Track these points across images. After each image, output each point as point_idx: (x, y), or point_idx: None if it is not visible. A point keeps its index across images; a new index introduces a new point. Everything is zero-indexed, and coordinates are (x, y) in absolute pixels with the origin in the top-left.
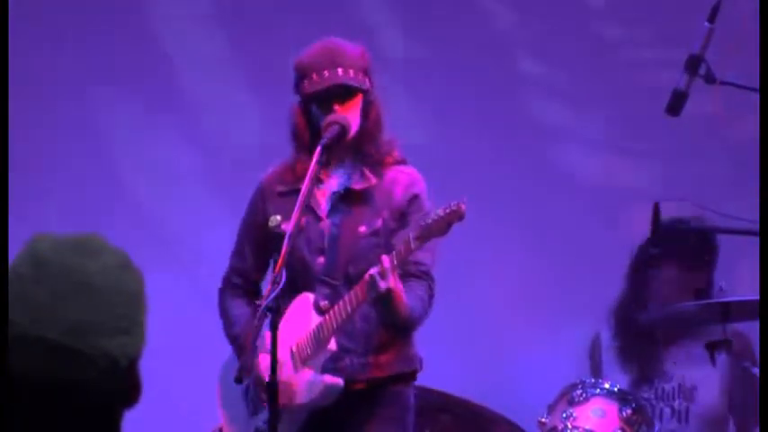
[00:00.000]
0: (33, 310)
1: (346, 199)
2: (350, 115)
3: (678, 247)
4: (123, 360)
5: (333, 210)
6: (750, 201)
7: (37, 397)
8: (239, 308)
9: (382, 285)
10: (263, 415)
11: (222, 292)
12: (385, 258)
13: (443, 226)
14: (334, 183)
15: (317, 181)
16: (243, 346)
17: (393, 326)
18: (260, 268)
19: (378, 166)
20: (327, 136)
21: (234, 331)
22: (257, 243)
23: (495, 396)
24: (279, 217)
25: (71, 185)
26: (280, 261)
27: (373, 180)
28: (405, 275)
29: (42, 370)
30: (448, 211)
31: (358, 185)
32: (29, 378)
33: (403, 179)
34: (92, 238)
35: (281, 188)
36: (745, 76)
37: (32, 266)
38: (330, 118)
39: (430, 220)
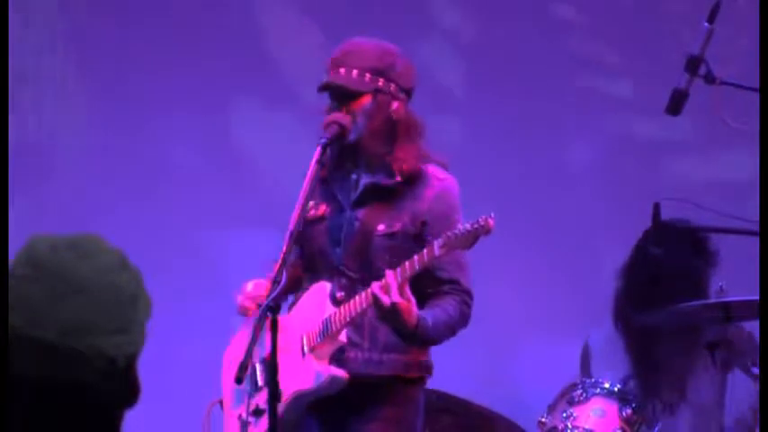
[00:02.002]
0: (30, 311)
1: (372, 193)
2: (353, 116)
3: (677, 248)
4: (121, 360)
5: (357, 203)
6: (750, 201)
7: (34, 397)
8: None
9: (385, 300)
10: (264, 394)
11: None
12: (389, 273)
13: (469, 239)
14: (363, 177)
15: (350, 174)
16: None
17: (405, 337)
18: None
19: (399, 167)
20: (326, 135)
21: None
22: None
23: (495, 396)
24: (312, 203)
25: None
26: (279, 261)
27: (399, 179)
28: (440, 293)
29: (39, 370)
30: (476, 226)
31: (385, 181)
32: (26, 378)
33: (435, 186)
34: (89, 239)
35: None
36: (745, 76)
37: (29, 267)
38: (329, 118)
39: (458, 232)
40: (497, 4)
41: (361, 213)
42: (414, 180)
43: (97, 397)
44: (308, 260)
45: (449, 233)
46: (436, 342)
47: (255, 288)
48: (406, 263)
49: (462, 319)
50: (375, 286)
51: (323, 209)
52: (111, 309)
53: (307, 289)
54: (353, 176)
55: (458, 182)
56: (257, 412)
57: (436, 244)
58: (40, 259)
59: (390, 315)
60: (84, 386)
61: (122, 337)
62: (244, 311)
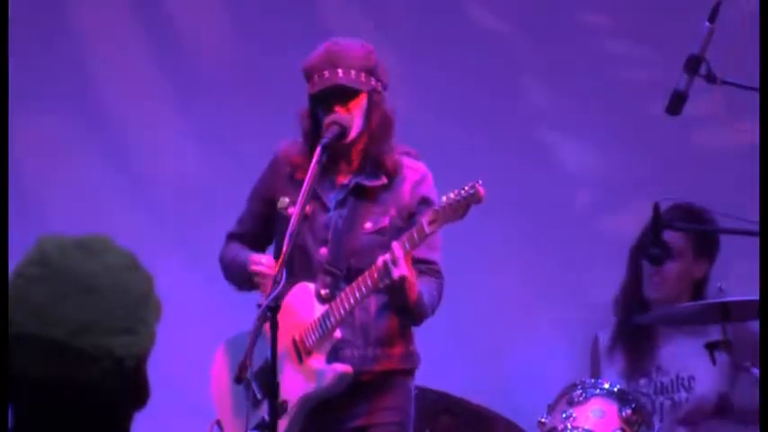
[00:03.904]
0: (37, 310)
1: (355, 194)
2: (352, 116)
3: (682, 237)
4: (129, 360)
5: (340, 203)
6: (750, 201)
7: (41, 396)
8: (240, 247)
9: (395, 273)
10: (266, 407)
11: (223, 246)
12: (396, 246)
13: (460, 209)
14: (344, 178)
15: (328, 176)
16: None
17: (405, 312)
18: (259, 239)
19: (385, 166)
20: (327, 136)
21: (242, 256)
22: (262, 215)
23: (494, 396)
24: (287, 199)
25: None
26: (280, 261)
27: (384, 179)
28: (417, 272)
29: (46, 369)
30: (464, 194)
31: (368, 183)
32: (33, 377)
33: (411, 176)
34: (98, 239)
35: (292, 171)
36: (745, 76)
37: (37, 266)
38: (330, 118)
39: (444, 204)
40: None
41: (345, 213)
42: (394, 175)
43: (105, 397)
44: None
45: (436, 207)
46: (424, 319)
47: (269, 259)
48: (405, 238)
49: (439, 301)
50: (386, 257)
51: (307, 208)
52: (120, 308)
53: (286, 293)
54: (338, 177)
55: (430, 169)
56: (263, 426)
57: (425, 221)
58: (48, 259)
59: (397, 288)
60: (92, 386)
61: (130, 337)
62: (260, 285)
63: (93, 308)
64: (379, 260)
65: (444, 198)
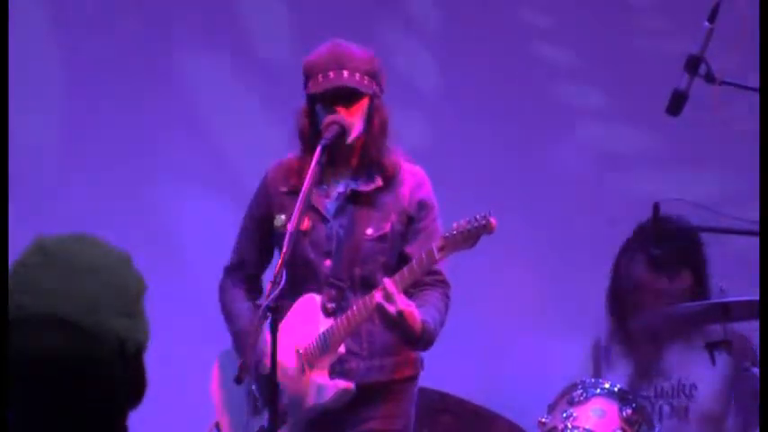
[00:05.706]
0: (42, 292)
1: (352, 201)
2: (354, 118)
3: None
4: (130, 344)
5: (338, 212)
6: (750, 201)
7: (44, 376)
8: (242, 302)
9: (391, 309)
10: (266, 415)
11: (223, 286)
12: (388, 282)
13: (470, 239)
14: (339, 185)
15: (321, 183)
16: (246, 343)
17: (411, 343)
18: (262, 263)
19: (383, 168)
20: (327, 136)
21: (237, 326)
22: (260, 238)
23: (494, 396)
24: (284, 216)
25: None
26: (280, 261)
27: (380, 182)
28: (420, 285)
29: (52, 347)
30: (476, 225)
31: (364, 188)
32: (40, 357)
33: (409, 181)
34: (91, 237)
35: (286, 187)
36: (745, 76)
37: (40, 255)
38: (330, 118)
39: (455, 232)
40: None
41: (345, 221)
42: (391, 179)
43: (106, 383)
44: (288, 274)
45: (446, 234)
46: (431, 346)
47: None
48: (405, 270)
49: (447, 314)
50: (377, 296)
51: (305, 222)
52: (121, 291)
53: (291, 305)
54: (331, 186)
55: (429, 175)
56: None
57: (435, 247)
58: (49, 249)
59: (397, 323)
60: (96, 365)
61: (131, 321)
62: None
63: (95, 288)
64: (374, 299)
65: (455, 225)
